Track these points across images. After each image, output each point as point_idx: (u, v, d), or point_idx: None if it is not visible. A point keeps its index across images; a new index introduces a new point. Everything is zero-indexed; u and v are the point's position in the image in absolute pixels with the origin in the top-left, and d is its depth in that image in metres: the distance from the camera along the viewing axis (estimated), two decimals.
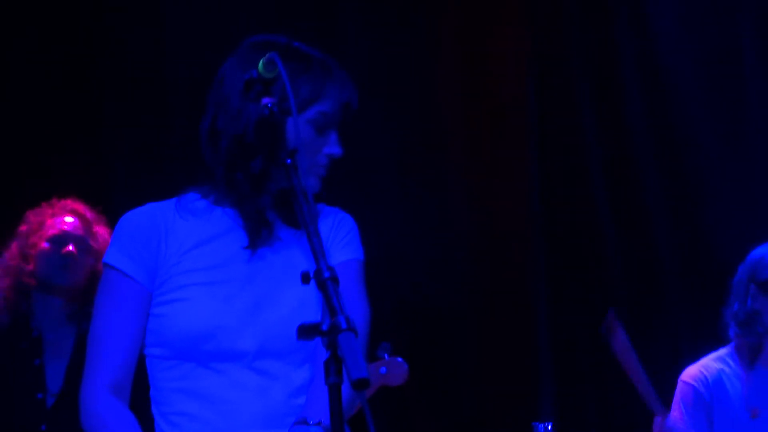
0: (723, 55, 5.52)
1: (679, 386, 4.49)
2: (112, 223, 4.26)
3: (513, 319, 5.55)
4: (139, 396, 2.78)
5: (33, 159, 5.20)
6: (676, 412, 4.47)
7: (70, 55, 5.37)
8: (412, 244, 5.52)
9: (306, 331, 2.33)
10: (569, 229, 5.67)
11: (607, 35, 5.66)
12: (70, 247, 4.32)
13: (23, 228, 4.39)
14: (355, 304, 2.74)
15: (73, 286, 4.32)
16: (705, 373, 4.46)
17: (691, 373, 4.49)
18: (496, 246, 5.62)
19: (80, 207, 4.42)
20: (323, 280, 2.34)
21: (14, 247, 4.37)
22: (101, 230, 4.39)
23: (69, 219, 4.37)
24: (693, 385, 4.45)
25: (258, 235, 2.76)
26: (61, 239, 4.33)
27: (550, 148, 5.69)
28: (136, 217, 2.79)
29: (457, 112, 5.75)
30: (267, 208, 2.79)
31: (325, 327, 2.28)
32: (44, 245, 4.33)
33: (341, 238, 2.83)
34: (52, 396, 4.25)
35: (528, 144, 5.69)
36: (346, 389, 2.29)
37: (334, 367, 2.28)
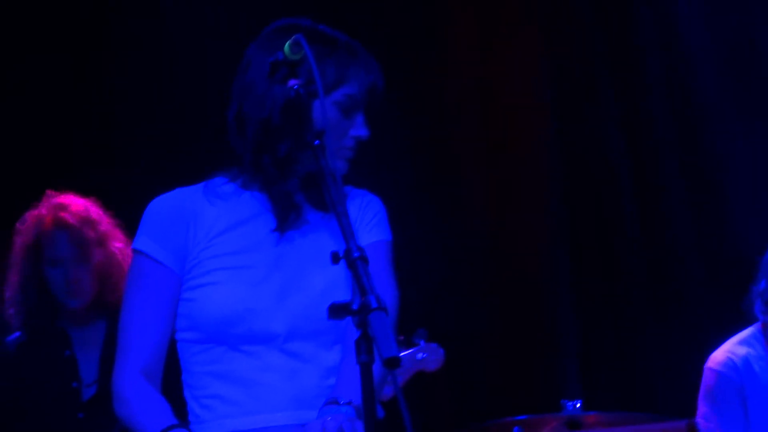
0: (743, 36, 5.51)
1: (708, 374, 4.43)
2: (126, 221, 4.25)
3: (537, 300, 5.56)
4: (171, 380, 2.79)
5: (45, 155, 5.20)
6: (705, 401, 4.43)
7: (78, 51, 5.37)
8: (432, 227, 5.53)
9: (337, 311, 2.33)
10: (591, 211, 5.67)
11: (626, 17, 5.65)
12: (71, 274, 4.23)
13: (20, 251, 4.26)
14: (384, 285, 2.73)
15: (85, 303, 4.28)
16: (733, 358, 4.42)
17: (718, 359, 4.44)
18: (519, 228, 5.63)
19: (66, 210, 4.26)
20: (353, 259, 2.35)
21: (19, 269, 4.25)
22: (97, 224, 4.28)
23: (61, 234, 4.23)
24: (723, 372, 4.40)
25: (286, 219, 2.76)
26: (59, 263, 4.24)
27: (570, 134, 5.69)
28: (164, 202, 2.80)
29: (474, 101, 5.75)
30: (295, 191, 2.79)
31: (355, 306, 2.30)
32: (47, 271, 4.25)
33: (369, 220, 2.82)
34: (86, 386, 4.26)
35: (548, 132, 5.69)
36: (376, 368, 2.30)
37: (365, 346, 2.28)
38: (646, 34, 5.65)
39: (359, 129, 2.78)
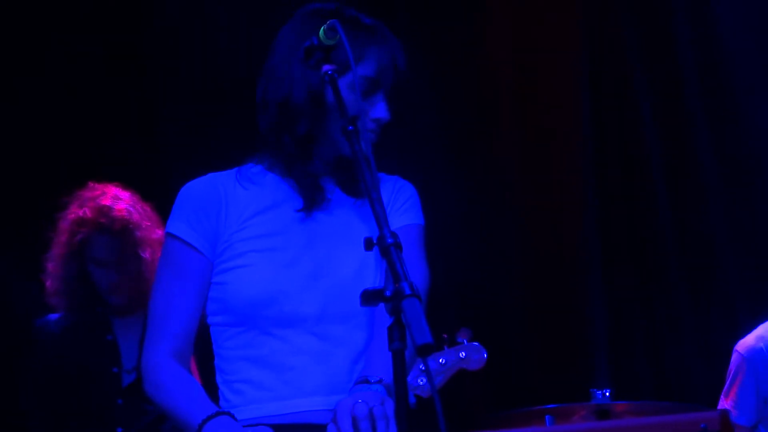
0: None
1: (733, 356, 4.45)
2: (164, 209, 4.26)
3: (567, 288, 5.55)
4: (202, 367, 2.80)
5: (89, 144, 5.22)
6: (727, 381, 4.44)
7: (120, 42, 5.38)
8: (461, 215, 5.52)
9: (369, 297, 2.32)
10: (623, 200, 5.65)
11: (662, 8, 5.63)
12: (113, 276, 4.29)
13: (63, 247, 4.29)
14: (415, 267, 2.73)
15: (125, 301, 4.33)
16: (761, 344, 4.42)
17: (747, 344, 4.45)
18: (549, 216, 5.61)
19: (109, 215, 4.28)
20: (386, 246, 2.34)
21: (63, 264, 4.30)
22: (138, 227, 4.31)
23: (103, 239, 4.27)
24: (746, 357, 4.41)
25: (311, 199, 2.77)
26: (102, 264, 4.29)
27: (603, 120, 5.67)
28: (197, 187, 2.82)
29: (509, 87, 5.74)
30: (323, 174, 2.80)
31: (388, 293, 2.28)
32: (91, 269, 4.30)
33: (401, 204, 2.83)
34: (126, 372, 4.27)
35: (581, 117, 5.66)
36: (407, 354, 2.30)
37: (397, 332, 2.27)
38: (679, 17, 5.61)
39: (378, 111, 2.77)
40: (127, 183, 4.44)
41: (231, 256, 2.74)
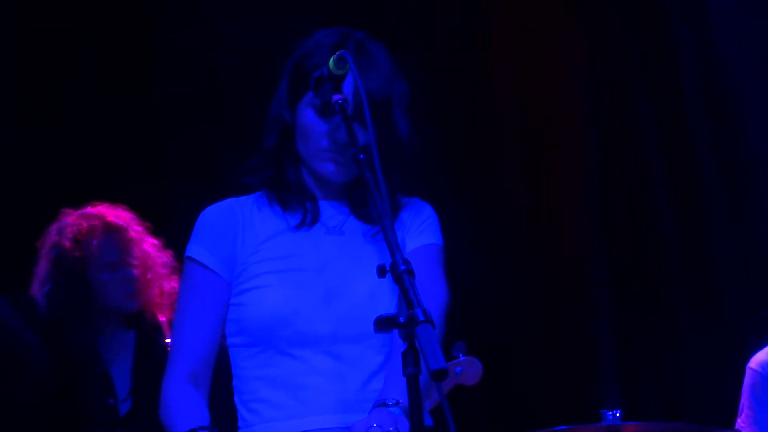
0: None
1: (747, 373, 4.46)
2: (169, 233, 4.29)
3: (576, 308, 5.56)
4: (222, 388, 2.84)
5: (91, 165, 5.22)
6: (743, 399, 4.44)
7: (125, 61, 5.39)
8: (468, 235, 5.52)
9: (383, 323, 2.36)
10: (629, 219, 5.67)
11: (661, 16, 5.66)
12: (130, 274, 4.27)
13: (65, 269, 4.23)
14: (435, 286, 2.79)
15: (140, 304, 4.30)
16: None
17: (759, 359, 4.46)
18: (556, 238, 5.63)
19: (110, 215, 4.30)
20: (399, 273, 2.38)
21: (64, 287, 4.23)
22: (135, 223, 4.34)
23: (113, 238, 4.27)
24: (761, 372, 4.42)
25: (303, 219, 2.83)
26: (116, 266, 4.27)
27: (606, 139, 5.70)
28: (216, 211, 2.89)
29: (511, 96, 5.76)
30: (340, 198, 2.87)
31: (402, 319, 2.32)
32: (104, 279, 4.27)
33: (419, 224, 2.88)
34: (122, 402, 4.26)
35: (584, 138, 5.69)
36: (422, 379, 2.33)
37: (411, 358, 2.31)
38: (680, 31, 5.64)
39: (338, 131, 2.77)
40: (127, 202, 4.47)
41: (247, 277, 2.79)
